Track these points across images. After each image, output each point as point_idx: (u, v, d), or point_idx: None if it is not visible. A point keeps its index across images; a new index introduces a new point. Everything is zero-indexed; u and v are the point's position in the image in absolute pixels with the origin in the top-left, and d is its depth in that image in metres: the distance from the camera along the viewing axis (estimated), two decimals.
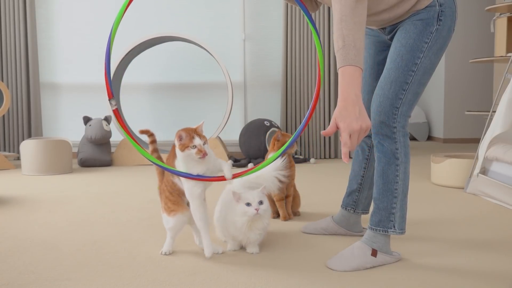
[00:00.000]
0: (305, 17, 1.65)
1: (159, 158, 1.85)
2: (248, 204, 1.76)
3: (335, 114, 1.39)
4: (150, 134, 1.90)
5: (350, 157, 4.43)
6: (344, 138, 1.37)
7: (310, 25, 1.66)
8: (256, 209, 1.75)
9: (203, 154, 1.68)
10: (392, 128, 1.67)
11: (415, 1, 1.63)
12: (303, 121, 1.71)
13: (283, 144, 2.33)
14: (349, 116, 1.37)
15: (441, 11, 1.63)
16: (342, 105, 1.38)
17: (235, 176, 1.76)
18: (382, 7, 1.65)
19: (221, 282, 1.56)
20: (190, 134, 1.69)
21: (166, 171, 1.79)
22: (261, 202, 1.77)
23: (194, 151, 1.67)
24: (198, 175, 1.72)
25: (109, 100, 1.69)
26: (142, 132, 1.87)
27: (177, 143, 1.70)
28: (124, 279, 1.58)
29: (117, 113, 1.71)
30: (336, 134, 4.84)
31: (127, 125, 4.67)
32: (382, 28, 1.79)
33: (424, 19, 1.63)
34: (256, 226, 1.80)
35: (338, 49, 1.43)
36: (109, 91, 1.69)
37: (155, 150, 1.89)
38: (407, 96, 1.66)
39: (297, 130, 1.71)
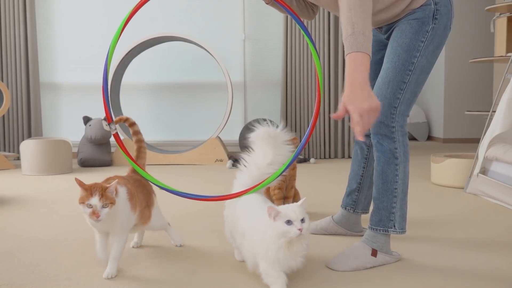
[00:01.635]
0: (302, 31, 1.68)
1: (142, 141, 1.86)
2: (289, 222, 1.39)
3: (343, 98, 1.39)
4: (125, 120, 1.82)
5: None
6: (355, 118, 1.36)
7: (306, 38, 1.69)
8: (299, 229, 1.38)
9: (96, 216, 1.47)
10: (390, 128, 1.67)
11: (410, 0, 1.64)
12: (306, 134, 1.71)
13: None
14: (357, 99, 1.36)
15: (437, 9, 1.64)
16: (350, 89, 1.38)
17: (242, 193, 1.64)
18: (378, 7, 1.65)
19: (221, 282, 1.56)
20: (90, 190, 1.49)
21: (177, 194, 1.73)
22: (303, 220, 1.41)
23: (88, 211, 1.48)
24: (201, 196, 1.72)
25: (109, 124, 1.69)
26: (118, 121, 1.79)
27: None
28: (124, 279, 1.58)
29: (117, 136, 1.74)
30: (337, 133, 4.84)
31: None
32: (379, 28, 1.80)
33: (420, 18, 1.64)
34: (297, 250, 1.42)
35: (346, 35, 1.41)
36: (108, 116, 1.71)
37: (137, 133, 1.86)
38: (405, 96, 1.66)
39: (300, 143, 1.73)
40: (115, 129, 1.72)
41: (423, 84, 1.71)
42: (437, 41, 1.66)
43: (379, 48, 1.85)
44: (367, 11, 1.41)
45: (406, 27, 1.65)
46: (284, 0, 1.78)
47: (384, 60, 1.71)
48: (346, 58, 1.42)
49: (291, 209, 1.42)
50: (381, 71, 1.71)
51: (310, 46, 1.71)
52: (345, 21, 1.42)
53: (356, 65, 1.39)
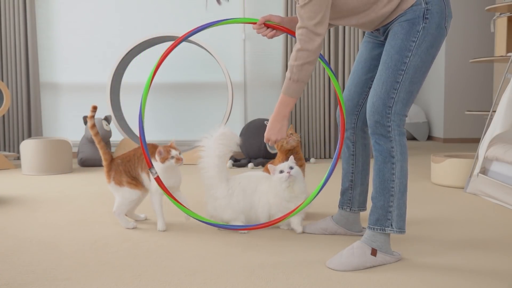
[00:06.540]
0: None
1: None
2: (281, 172, 2.08)
3: (267, 127, 1.82)
4: None
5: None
6: (265, 139, 1.85)
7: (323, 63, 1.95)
8: (288, 172, 2.06)
9: (180, 160, 2.14)
10: (386, 127, 1.70)
11: (398, 1, 1.69)
12: (334, 157, 1.92)
13: (284, 144, 2.37)
14: (271, 130, 1.82)
15: (427, 9, 1.68)
16: (272, 120, 1.81)
17: (280, 219, 2.00)
18: (368, 7, 1.72)
19: (221, 282, 1.56)
20: (167, 149, 2.13)
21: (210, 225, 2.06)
22: (291, 167, 2.08)
23: (173, 160, 2.12)
24: (236, 226, 2.08)
25: (150, 169, 1.98)
26: None
27: (158, 158, 2.13)
28: (124, 279, 1.58)
29: (159, 180, 1.97)
30: (337, 133, 4.84)
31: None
32: (377, 30, 1.83)
33: (410, 19, 1.68)
34: (297, 191, 2.11)
35: (286, 78, 1.74)
36: (148, 162, 1.97)
37: None
38: (399, 95, 1.69)
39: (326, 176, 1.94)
40: (156, 173, 1.98)
41: (419, 84, 1.73)
42: (430, 40, 1.69)
43: (378, 45, 1.89)
44: (306, 69, 1.70)
45: (398, 29, 1.70)
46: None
47: (380, 62, 1.75)
48: (280, 96, 1.78)
49: (281, 164, 2.10)
50: (377, 73, 1.76)
51: (327, 69, 1.91)
52: (288, 65, 1.73)
53: (284, 104, 1.78)
